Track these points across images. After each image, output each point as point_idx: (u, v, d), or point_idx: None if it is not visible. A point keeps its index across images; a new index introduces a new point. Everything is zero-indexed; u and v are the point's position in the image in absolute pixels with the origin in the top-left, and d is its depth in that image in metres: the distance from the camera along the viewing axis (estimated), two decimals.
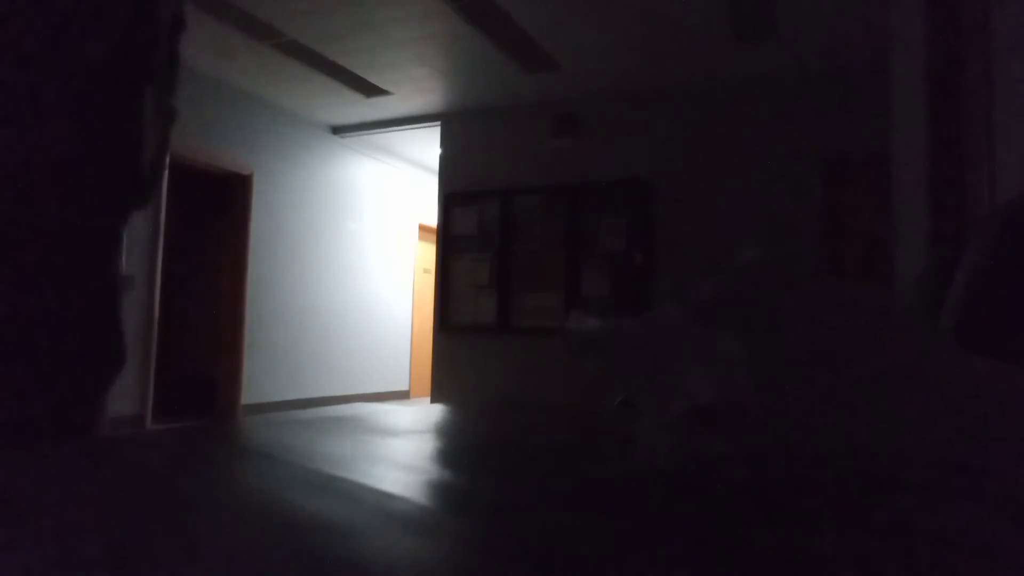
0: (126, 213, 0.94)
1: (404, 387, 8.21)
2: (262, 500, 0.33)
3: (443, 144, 6.36)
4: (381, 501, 0.33)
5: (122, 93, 0.90)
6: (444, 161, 6.32)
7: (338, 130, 6.83)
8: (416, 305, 8.44)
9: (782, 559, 0.26)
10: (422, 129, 6.62)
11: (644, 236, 5.39)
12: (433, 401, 6.09)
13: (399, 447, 0.50)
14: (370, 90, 5.77)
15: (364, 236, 7.40)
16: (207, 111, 5.48)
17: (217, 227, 6.13)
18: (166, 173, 4.40)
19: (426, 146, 7.12)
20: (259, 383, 6.09)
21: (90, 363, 0.87)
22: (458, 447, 0.52)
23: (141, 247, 5.05)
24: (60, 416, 0.83)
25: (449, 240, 6.19)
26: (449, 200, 6.22)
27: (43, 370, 0.81)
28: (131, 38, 0.90)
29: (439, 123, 6.36)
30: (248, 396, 5.99)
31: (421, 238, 8.63)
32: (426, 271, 8.69)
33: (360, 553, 0.25)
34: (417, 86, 5.66)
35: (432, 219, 7.39)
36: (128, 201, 0.94)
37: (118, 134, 0.91)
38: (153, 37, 0.92)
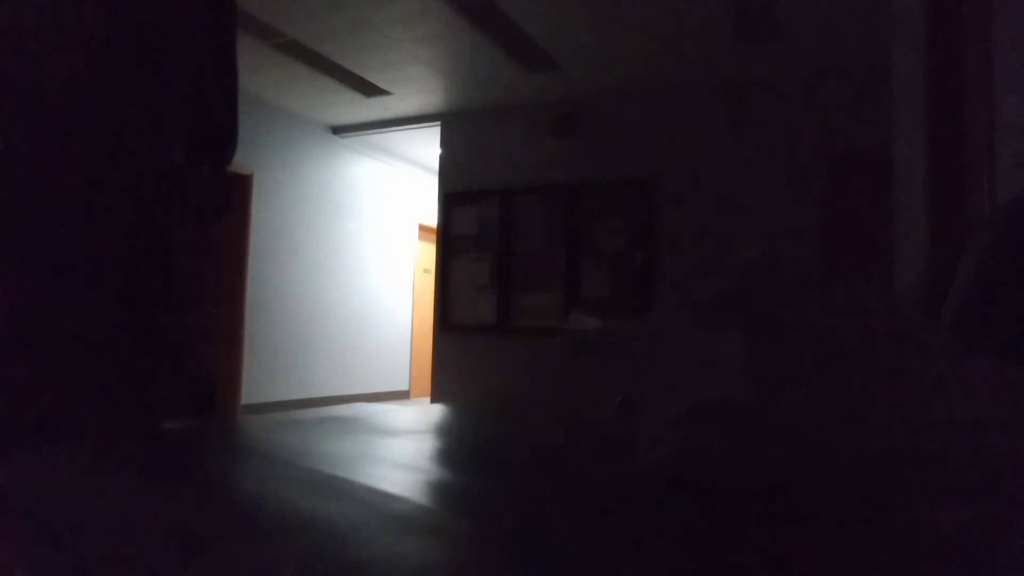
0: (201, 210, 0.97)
1: (404, 387, 8.21)
2: (262, 500, 0.33)
3: (443, 144, 6.36)
4: (381, 501, 0.33)
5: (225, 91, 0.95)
6: (444, 161, 6.33)
7: (338, 130, 6.83)
8: (416, 305, 8.44)
9: (782, 559, 0.26)
10: (422, 129, 6.63)
11: (644, 236, 5.40)
12: (433, 401, 6.09)
13: (399, 447, 0.50)
14: (370, 90, 5.77)
15: (364, 236, 7.40)
16: None
17: (217, 227, 6.13)
18: None
19: (426, 146, 7.13)
20: (259, 383, 6.09)
21: (155, 359, 0.88)
22: (458, 447, 0.52)
23: None
24: (127, 411, 0.84)
25: (449, 240, 6.19)
26: (449, 200, 6.22)
27: (108, 365, 0.82)
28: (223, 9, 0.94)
29: (439, 123, 6.36)
30: (248, 396, 5.99)
31: (421, 238, 8.63)
32: (426, 271, 8.69)
33: (360, 553, 0.25)
34: (417, 86, 5.66)
35: (432, 219, 7.40)
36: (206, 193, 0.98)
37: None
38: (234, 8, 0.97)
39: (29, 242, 0.74)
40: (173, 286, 0.91)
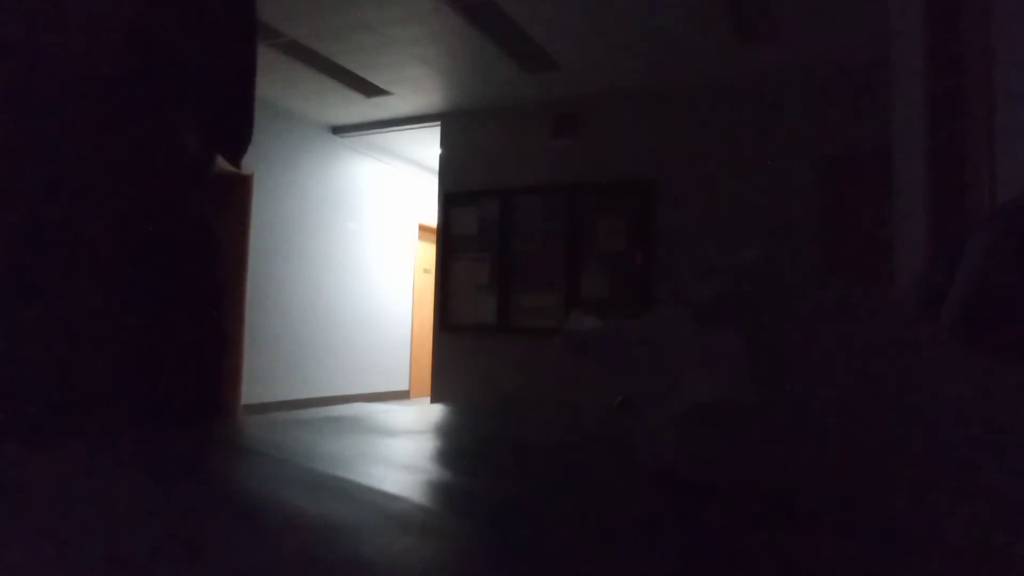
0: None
1: (404, 387, 8.22)
2: (261, 500, 0.33)
3: (443, 144, 6.36)
4: (381, 501, 0.33)
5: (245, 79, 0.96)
6: (444, 161, 6.33)
7: (338, 130, 6.84)
8: (416, 305, 8.44)
9: (782, 559, 0.26)
10: (422, 129, 6.63)
11: (644, 236, 5.40)
12: (433, 401, 6.09)
13: (399, 447, 0.50)
14: (370, 90, 5.77)
15: (364, 236, 7.40)
16: None
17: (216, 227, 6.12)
18: None
19: (426, 146, 7.13)
20: (259, 383, 6.09)
21: (198, 348, 0.88)
22: (458, 447, 0.52)
23: None
24: (184, 402, 0.85)
25: (449, 240, 6.19)
26: (449, 200, 6.23)
27: (155, 357, 0.82)
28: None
29: (439, 123, 6.36)
30: (248, 396, 5.99)
31: (421, 238, 8.64)
32: (426, 271, 8.69)
33: (360, 553, 0.25)
34: (417, 86, 5.66)
35: (432, 219, 7.39)
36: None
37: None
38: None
39: (40, 237, 0.74)
40: (213, 278, 0.91)
